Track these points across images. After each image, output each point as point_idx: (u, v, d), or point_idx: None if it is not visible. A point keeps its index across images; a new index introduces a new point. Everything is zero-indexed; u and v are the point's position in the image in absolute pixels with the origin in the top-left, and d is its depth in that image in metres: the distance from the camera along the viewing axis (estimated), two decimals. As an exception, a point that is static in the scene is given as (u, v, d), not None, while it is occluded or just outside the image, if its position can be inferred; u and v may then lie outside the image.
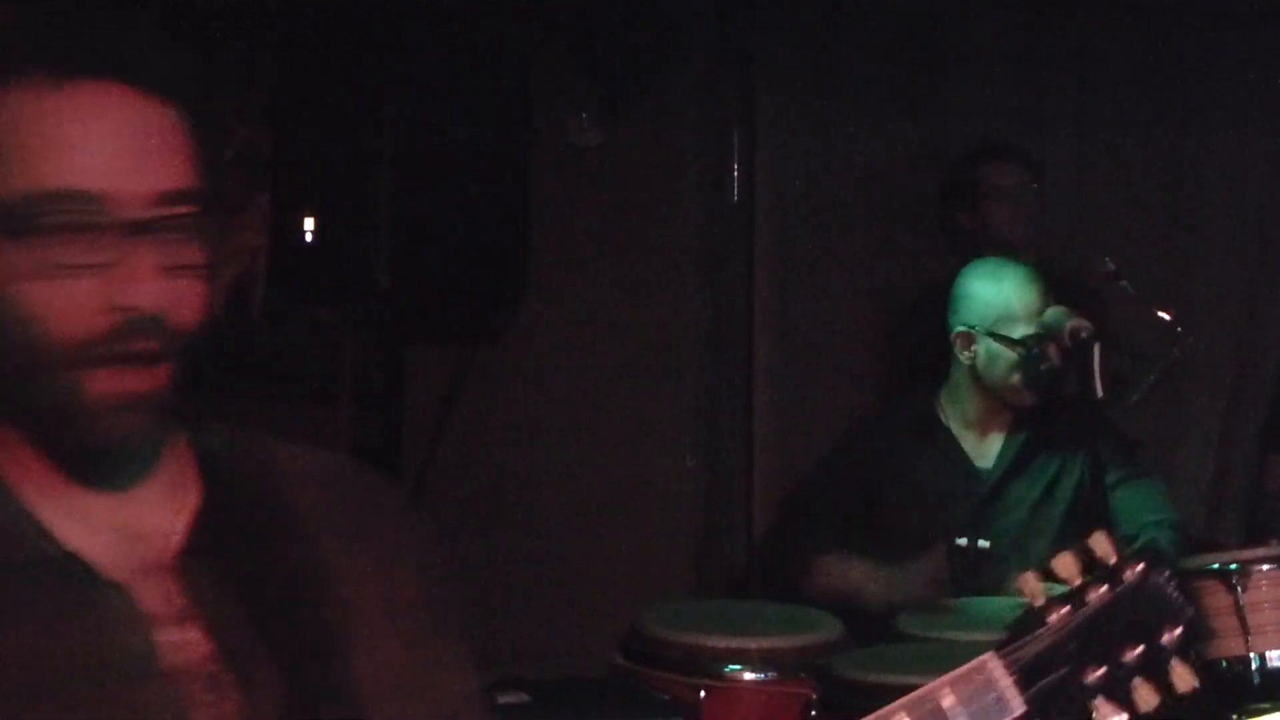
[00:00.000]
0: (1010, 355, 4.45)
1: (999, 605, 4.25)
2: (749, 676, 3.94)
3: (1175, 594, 2.12)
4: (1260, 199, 5.91)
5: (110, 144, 1.51)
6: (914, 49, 5.69)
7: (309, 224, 4.85)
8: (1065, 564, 2.21)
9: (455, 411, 5.19)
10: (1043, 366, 4.44)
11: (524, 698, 3.54)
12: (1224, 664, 3.87)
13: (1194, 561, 3.97)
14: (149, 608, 1.58)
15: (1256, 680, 3.86)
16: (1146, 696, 2.02)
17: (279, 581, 1.65)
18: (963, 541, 4.43)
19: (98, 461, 1.59)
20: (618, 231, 5.43)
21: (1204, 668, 3.79)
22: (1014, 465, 4.62)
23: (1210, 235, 5.91)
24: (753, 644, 3.98)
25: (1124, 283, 3.81)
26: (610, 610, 4.70)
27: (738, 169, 5.56)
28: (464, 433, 5.21)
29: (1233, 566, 3.88)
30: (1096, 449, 3.78)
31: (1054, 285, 4.48)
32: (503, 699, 3.46)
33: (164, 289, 1.52)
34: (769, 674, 3.94)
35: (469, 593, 5.03)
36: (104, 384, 1.52)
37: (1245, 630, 3.84)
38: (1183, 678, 2.01)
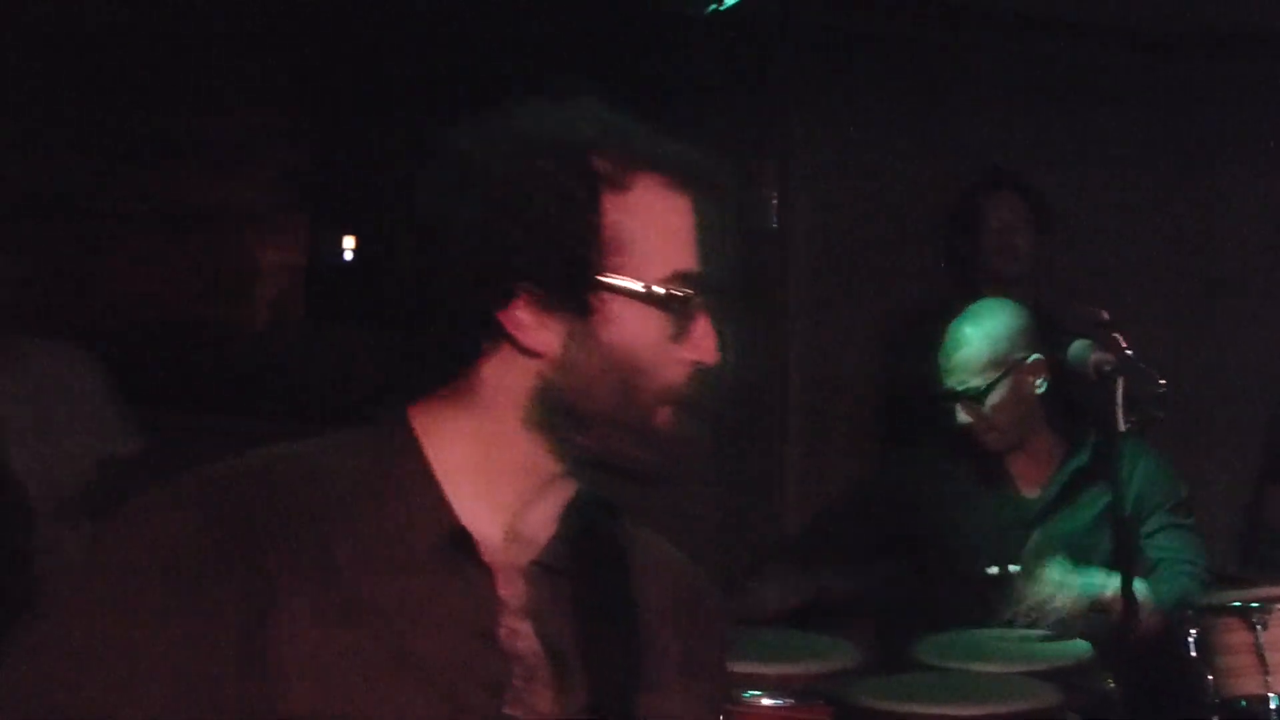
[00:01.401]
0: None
1: (1017, 636, 4.25)
2: (766, 702, 3.92)
3: None
4: (1274, 229, 5.90)
5: (695, 236, 1.93)
6: (939, 81, 5.71)
7: (347, 243, 4.90)
8: None
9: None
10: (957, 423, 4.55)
11: None
12: (1243, 703, 3.85)
13: (1215, 599, 3.96)
14: (503, 594, 1.91)
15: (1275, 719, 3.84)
16: None
17: (603, 609, 1.97)
18: (994, 570, 4.43)
19: (621, 477, 1.94)
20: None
21: (1223, 705, 3.80)
22: (1061, 496, 4.60)
23: (1226, 264, 5.91)
24: (770, 669, 3.97)
25: (1117, 335, 3.82)
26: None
27: (773, 198, 5.58)
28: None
29: (1253, 605, 3.86)
30: (1120, 489, 3.77)
31: (1043, 325, 4.51)
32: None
33: (715, 350, 1.93)
34: (785, 700, 3.93)
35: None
36: (667, 419, 1.91)
37: (1264, 669, 3.82)
38: None
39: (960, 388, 4.52)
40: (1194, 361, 5.76)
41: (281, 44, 5.16)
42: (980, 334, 4.53)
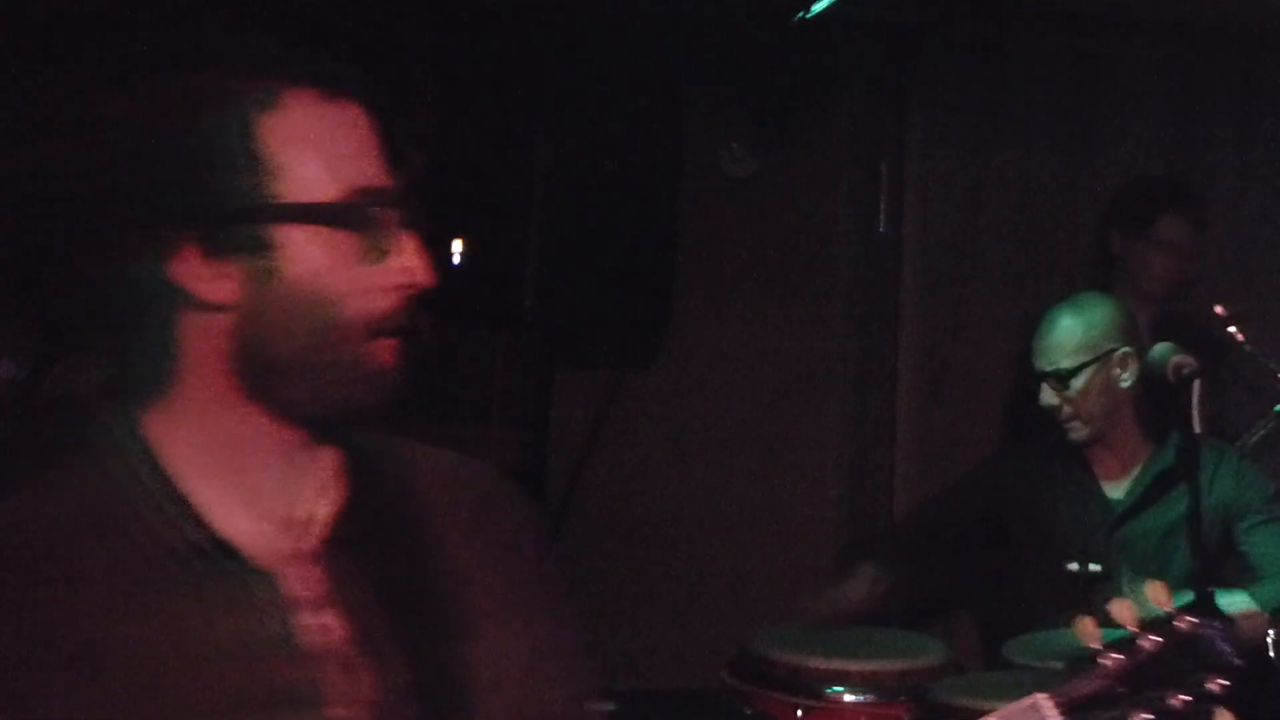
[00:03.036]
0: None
1: (1106, 635, 4.25)
2: (848, 699, 3.99)
3: (1225, 646, 2.20)
4: None
5: (375, 149, 1.77)
6: (1069, 82, 5.70)
7: (460, 248, 5.01)
8: (1122, 610, 2.29)
9: (600, 435, 5.32)
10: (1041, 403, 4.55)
11: (609, 707, 3.62)
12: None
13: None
14: (292, 592, 1.74)
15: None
16: None
17: (411, 572, 1.80)
18: (1074, 566, 4.44)
19: (337, 430, 1.79)
20: (766, 261, 5.51)
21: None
22: (1145, 497, 4.61)
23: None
24: (854, 666, 4.04)
25: (1235, 328, 3.82)
26: (743, 630, 4.79)
27: (885, 200, 5.62)
28: (608, 456, 5.33)
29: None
30: (1198, 491, 3.77)
31: (1166, 325, 4.51)
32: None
33: (427, 269, 1.76)
34: (868, 696, 3.99)
35: (608, 607, 5.15)
36: (383, 355, 1.74)
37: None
38: None
39: (1049, 368, 4.54)
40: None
41: (400, 48, 5.26)
42: (1074, 319, 4.56)
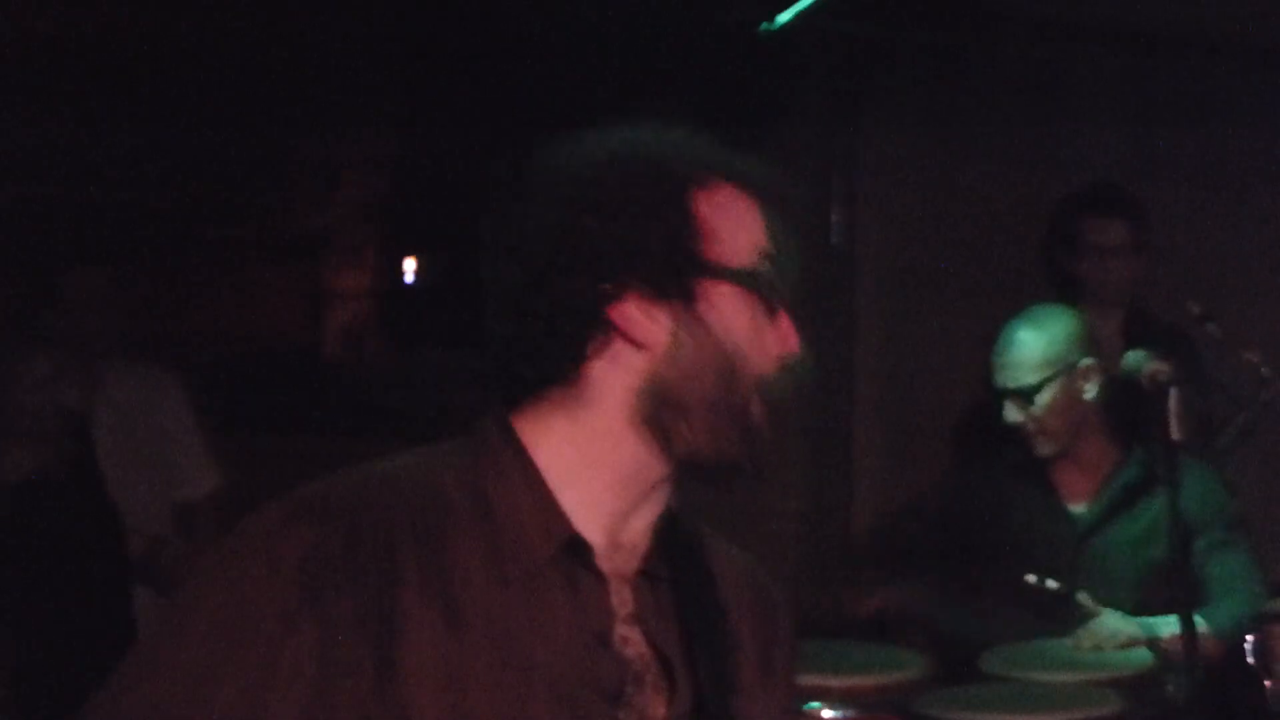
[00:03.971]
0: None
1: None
2: (827, 714, 3.97)
3: None
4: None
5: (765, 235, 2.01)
6: (1024, 94, 5.71)
7: (416, 266, 4.98)
8: None
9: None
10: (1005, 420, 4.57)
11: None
12: (1308, 710, 3.84)
13: (1272, 605, 3.95)
14: (615, 603, 1.96)
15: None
16: None
17: (701, 620, 2.00)
18: (1032, 578, 4.42)
19: (705, 472, 1.98)
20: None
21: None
22: (1109, 511, 4.61)
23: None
24: (834, 681, 4.02)
25: (1210, 326, 3.80)
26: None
27: (838, 212, 5.61)
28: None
29: (1315, 611, 3.85)
30: (1177, 502, 3.76)
31: (1136, 329, 4.50)
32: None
33: (798, 341, 2.00)
34: (848, 711, 3.97)
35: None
36: (760, 411, 1.96)
37: (1328, 675, 3.81)
38: None
39: (1012, 384, 4.54)
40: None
41: (361, 70, 5.24)
42: (1034, 334, 4.55)
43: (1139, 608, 4.41)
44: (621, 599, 1.96)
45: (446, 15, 4.93)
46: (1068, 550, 4.57)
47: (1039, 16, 5.60)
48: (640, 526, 1.99)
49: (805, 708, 3.96)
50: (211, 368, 6.17)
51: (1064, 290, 5.24)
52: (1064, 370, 4.53)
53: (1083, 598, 4.34)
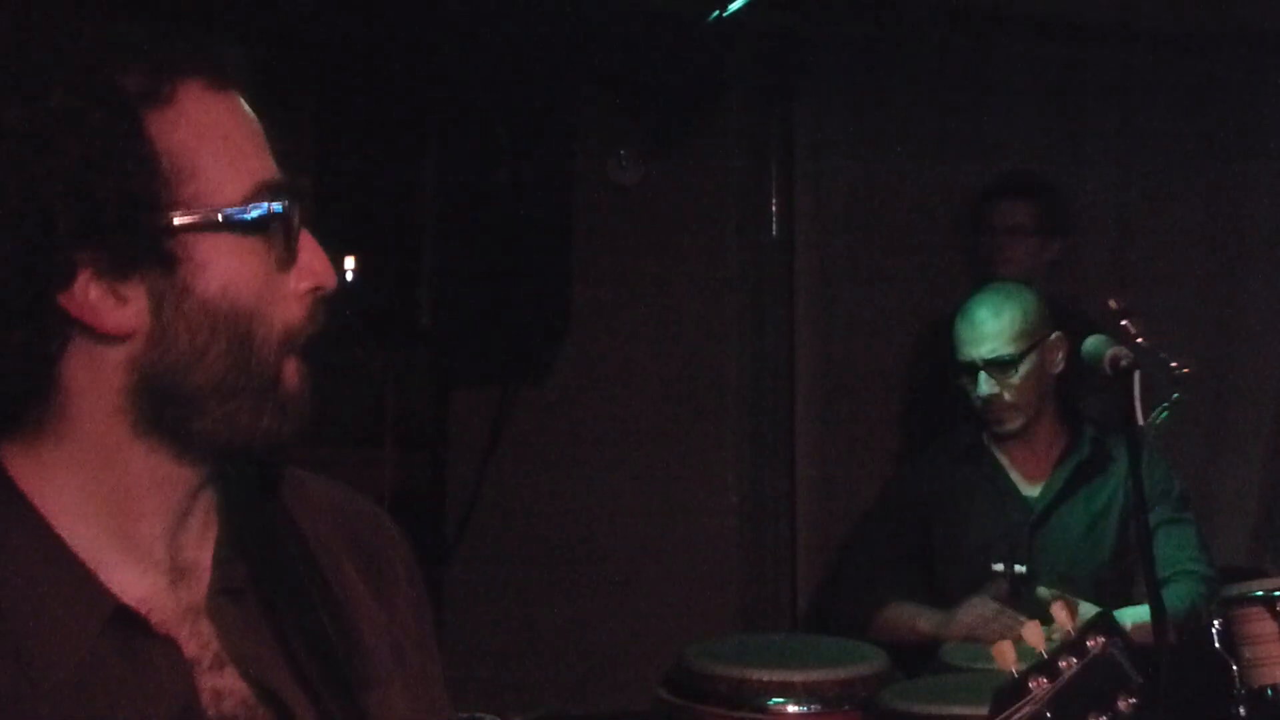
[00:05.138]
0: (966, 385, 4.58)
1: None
2: (792, 709, 3.92)
3: (1128, 664, 2.42)
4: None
5: (263, 140, 1.60)
6: (954, 82, 5.70)
7: (349, 264, 4.87)
8: (1033, 633, 2.51)
9: (499, 451, 5.21)
10: (970, 395, 4.56)
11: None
12: (1269, 692, 3.84)
13: (1236, 589, 3.95)
14: (190, 654, 1.57)
15: (1302, 708, 3.83)
16: None
17: (303, 618, 1.65)
18: (999, 566, 4.43)
19: (241, 464, 1.64)
20: (659, 268, 5.44)
21: (1249, 696, 3.80)
22: (1062, 493, 4.61)
23: (1254, 264, 5.90)
24: (797, 676, 3.97)
25: (1127, 321, 3.81)
26: (656, 646, 4.70)
27: (776, 204, 5.58)
28: (508, 472, 5.22)
29: (1276, 593, 3.85)
30: (1141, 484, 3.74)
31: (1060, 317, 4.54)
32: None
33: (331, 269, 1.61)
34: (813, 706, 3.93)
35: (513, 630, 5.05)
36: (294, 374, 1.59)
37: (1290, 658, 3.81)
38: None
39: (990, 355, 4.50)
40: (1209, 353, 5.74)
41: (283, 62, 5.13)
42: (1011, 305, 4.54)
43: (1095, 587, 4.42)
44: (201, 642, 1.58)
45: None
46: (1022, 532, 4.57)
47: (960, 4, 5.60)
48: (191, 541, 1.62)
49: (769, 703, 3.92)
50: None
51: (975, 271, 5.26)
52: (1040, 341, 4.53)
53: (1043, 591, 4.33)
